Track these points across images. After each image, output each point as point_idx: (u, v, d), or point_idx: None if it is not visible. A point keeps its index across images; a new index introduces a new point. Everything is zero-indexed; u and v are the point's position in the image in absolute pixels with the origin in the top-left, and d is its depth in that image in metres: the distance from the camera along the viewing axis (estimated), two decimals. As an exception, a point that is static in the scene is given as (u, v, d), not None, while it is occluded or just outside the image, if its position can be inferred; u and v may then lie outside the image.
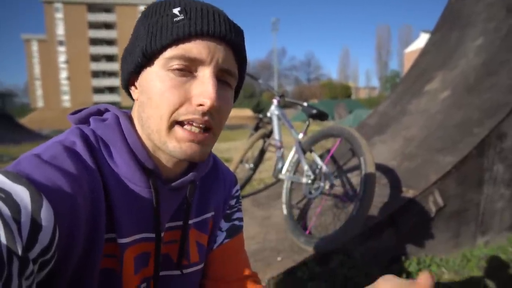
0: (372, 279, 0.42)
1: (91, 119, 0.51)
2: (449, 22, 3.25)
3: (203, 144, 0.47)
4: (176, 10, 0.45)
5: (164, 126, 0.45)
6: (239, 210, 0.69)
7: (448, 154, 2.00)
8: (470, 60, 2.66)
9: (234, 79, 0.49)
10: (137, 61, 0.46)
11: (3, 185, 0.35)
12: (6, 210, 0.34)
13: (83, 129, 0.49)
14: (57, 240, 0.37)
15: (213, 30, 0.44)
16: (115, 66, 53.04)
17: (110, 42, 52.85)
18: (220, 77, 0.47)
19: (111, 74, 54.03)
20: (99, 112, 0.54)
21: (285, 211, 1.94)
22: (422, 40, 33.41)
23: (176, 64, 0.44)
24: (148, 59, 0.46)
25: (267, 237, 1.94)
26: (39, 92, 56.79)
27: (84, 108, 0.55)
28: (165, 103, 0.45)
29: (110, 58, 53.47)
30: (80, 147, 0.45)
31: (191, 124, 0.46)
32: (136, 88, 0.50)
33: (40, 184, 0.38)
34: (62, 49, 51.37)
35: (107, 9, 51.76)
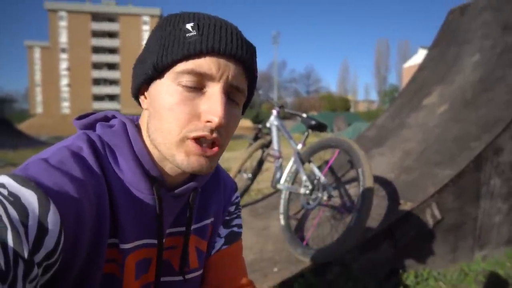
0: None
1: (98, 125, 0.52)
2: (447, 39, 3.32)
3: (211, 159, 0.47)
4: (189, 26, 0.45)
5: (174, 140, 0.46)
6: (239, 217, 0.69)
7: (445, 168, 2.02)
8: (467, 75, 2.71)
9: (242, 95, 0.50)
10: (148, 73, 0.47)
11: (12, 189, 0.36)
12: (14, 213, 0.34)
13: (90, 134, 0.49)
14: (62, 244, 0.38)
15: (224, 48, 0.45)
16: (116, 74, 53.37)
17: (112, 51, 53.36)
18: (229, 94, 0.48)
19: (112, 82, 54.31)
20: (106, 119, 0.55)
21: (282, 222, 1.94)
22: (420, 55, 33.92)
23: (186, 78, 0.44)
24: (158, 72, 0.46)
25: (264, 247, 1.93)
26: (39, 98, 56.94)
27: (91, 114, 0.55)
28: (175, 118, 0.45)
29: (112, 66, 53.86)
30: (86, 153, 0.46)
31: (200, 142, 0.46)
32: (145, 97, 0.51)
33: (47, 188, 0.38)
34: (64, 56, 51.76)
35: (111, 18, 52.45)
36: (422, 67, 3.42)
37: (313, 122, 2.00)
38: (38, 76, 56.96)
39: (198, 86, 0.45)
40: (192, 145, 0.46)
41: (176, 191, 0.52)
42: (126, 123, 0.52)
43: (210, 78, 0.45)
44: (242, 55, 0.46)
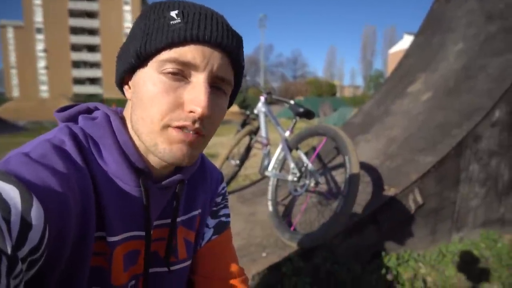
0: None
1: (80, 117, 0.50)
2: (432, 26, 3.36)
3: (193, 146, 0.47)
4: (173, 13, 0.44)
5: (156, 129, 0.45)
6: (226, 206, 0.70)
7: (428, 154, 2.08)
8: (451, 63, 2.76)
9: (229, 86, 0.49)
10: (131, 62, 0.46)
11: None
12: None
13: (72, 127, 0.48)
14: (46, 239, 0.37)
15: (209, 36, 0.44)
16: (97, 57, 51.40)
17: (92, 32, 51.13)
18: (215, 84, 0.47)
19: (93, 65, 52.36)
20: (88, 110, 0.54)
21: (270, 208, 1.97)
22: (406, 41, 34.26)
23: (169, 67, 0.44)
24: (142, 61, 0.45)
25: (252, 233, 1.96)
26: (15, 81, 54.36)
27: (73, 105, 0.54)
28: (156, 107, 0.44)
29: (92, 48, 51.76)
30: (69, 146, 0.45)
31: (182, 130, 0.46)
32: (129, 87, 0.50)
33: (29, 183, 0.37)
34: (40, 37, 49.30)
35: (89, -3, 50.01)
36: (407, 54, 3.46)
37: (301, 110, 2.00)
38: (12, 58, 54.10)
39: (181, 74, 0.44)
40: (174, 132, 0.45)
41: (163, 182, 0.52)
42: (109, 114, 0.50)
43: (194, 67, 0.44)
44: (228, 44, 0.45)
